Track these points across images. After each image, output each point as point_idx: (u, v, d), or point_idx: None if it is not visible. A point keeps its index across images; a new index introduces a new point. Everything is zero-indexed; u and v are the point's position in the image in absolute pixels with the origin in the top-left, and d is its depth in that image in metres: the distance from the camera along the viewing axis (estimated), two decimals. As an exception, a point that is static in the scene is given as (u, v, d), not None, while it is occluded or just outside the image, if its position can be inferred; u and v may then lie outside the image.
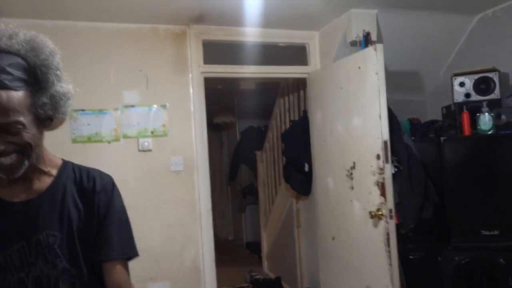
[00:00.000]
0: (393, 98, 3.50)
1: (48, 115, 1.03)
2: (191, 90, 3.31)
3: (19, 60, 0.98)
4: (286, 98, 4.52)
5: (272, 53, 3.66)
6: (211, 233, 3.36)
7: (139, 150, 3.18)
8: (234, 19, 3.16)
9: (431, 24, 3.31)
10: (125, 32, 3.18)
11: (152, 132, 3.22)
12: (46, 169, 1.11)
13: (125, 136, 3.16)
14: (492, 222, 2.77)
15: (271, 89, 4.98)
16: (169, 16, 3.10)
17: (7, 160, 0.98)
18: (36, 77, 1.00)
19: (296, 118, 4.27)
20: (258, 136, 5.79)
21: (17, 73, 0.97)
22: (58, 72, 1.04)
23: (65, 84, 1.07)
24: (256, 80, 4.47)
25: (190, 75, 3.31)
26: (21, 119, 0.96)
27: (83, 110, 3.08)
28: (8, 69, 0.95)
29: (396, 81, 3.56)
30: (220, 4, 2.87)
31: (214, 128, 6.29)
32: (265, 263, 5.10)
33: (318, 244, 3.52)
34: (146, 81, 3.21)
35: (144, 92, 3.21)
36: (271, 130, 4.93)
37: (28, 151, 1.00)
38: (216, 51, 3.47)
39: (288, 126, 4.39)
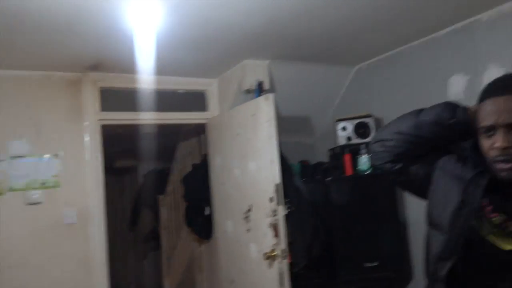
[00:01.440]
0: (287, 141, 3.75)
1: None
2: (86, 138, 3.21)
3: None
4: (188, 142, 4.58)
5: (172, 99, 3.72)
6: (106, 288, 3.18)
7: (28, 204, 2.97)
8: (132, 66, 3.17)
9: (318, 73, 3.66)
10: (15, 78, 3.02)
11: (43, 184, 3.04)
12: None
13: (11, 189, 2.94)
14: (372, 255, 3.06)
15: (173, 132, 5.00)
16: (63, 64, 3.02)
17: None
18: None
19: (198, 161, 4.33)
20: (161, 179, 5.71)
21: None
22: None
23: None
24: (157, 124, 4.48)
25: (86, 122, 3.23)
26: None
27: (-40, 162, 2.82)
28: None
29: (290, 125, 3.84)
30: (115, 53, 2.88)
31: (114, 172, 6.08)
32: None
33: (219, 288, 3.54)
34: (37, 130, 3.06)
35: (35, 141, 3.05)
36: (173, 174, 4.92)
37: None
38: (115, 98, 3.43)
39: (189, 169, 4.42)
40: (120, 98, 3.49)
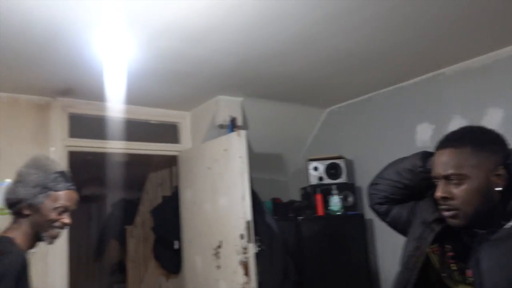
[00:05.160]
0: (259, 178, 3.74)
1: None
2: (52, 165, 3.11)
3: None
4: (159, 173, 4.51)
5: (144, 129, 3.68)
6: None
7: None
8: (102, 94, 3.11)
9: (291, 113, 3.71)
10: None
11: (1, 209, 2.90)
12: None
13: (-33, 216, 2.79)
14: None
15: (144, 162, 4.92)
16: (31, 87, 2.95)
17: None
18: None
19: (168, 193, 4.25)
20: (130, 210, 5.56)
21: None
22: None
23: None
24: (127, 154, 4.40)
25: (53, 148, 3.13)
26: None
27: None
28: None
29: (262, 162, 3.84)
30: (86, 81, 2.82)
31: (81, 200, 5.88)
32: None
33: (185, 327, 3.41)
34: (-1, 154, 2.94)
35: (-5, 165, 2.92)
36: (142, 204, 4.80)
37: None
38: (84, 125, 3.37)
39: (160, 201, 4.33)
40: (89, 125, 3.42)
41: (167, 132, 3.76)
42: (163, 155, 3.92)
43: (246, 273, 2.77)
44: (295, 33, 2.24)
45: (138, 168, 5.28)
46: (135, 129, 3.54)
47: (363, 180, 3.43)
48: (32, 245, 1.41)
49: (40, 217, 1.39)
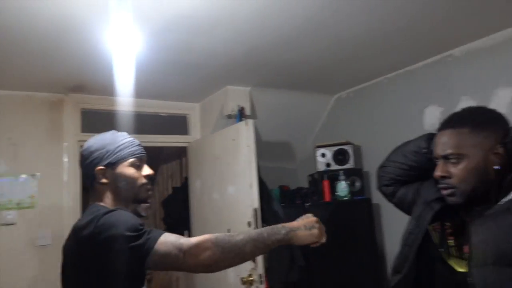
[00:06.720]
0: (268, 166, 3.79)
1: None
2: (65, 159, 3.20)
3: None
4: (169, 165, 4.58)
5: (154, 122, 3.74)
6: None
7: (1, 224, 2.92)
8: (113, 89, 3.18)
9: (298, 101, 3.74)
10: (-6, 98, 3.03)
11: (17, 204, 3.00)
12: None
13: (-15, 209, 2.90)
14: (350, 281, 3.07)
15: (154, 154, 4.99)
16: (44, 85, 3.03)
17: None
18: None
19: (179, 184, 4.32)
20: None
21: None
22: None
23: None
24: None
25: (65, 143, 3.22)
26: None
27: None
28: None
29: (271, 150, 3.89)
30: (96, 76, 2.88)
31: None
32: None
33: (198, 314, 3.49)
34: (14, 150, 3.04)
35: (12, 161, 3.02)
36: (153, 196, 4.88)
37: None
38: (96, 120, 3.44)
39: (170, 192, 4.41)
40: (101, 120, 3.49)
41: (177, 124, 3.82)
42: (173, 147, 3.98)
43: (253, 260, 2.82)
44: (304, 20, 2.22)
45: (147, 161, 5.37)
46: (146, 122, 3.60)
47: (371, 165, 3.46)
48: None
49: None
